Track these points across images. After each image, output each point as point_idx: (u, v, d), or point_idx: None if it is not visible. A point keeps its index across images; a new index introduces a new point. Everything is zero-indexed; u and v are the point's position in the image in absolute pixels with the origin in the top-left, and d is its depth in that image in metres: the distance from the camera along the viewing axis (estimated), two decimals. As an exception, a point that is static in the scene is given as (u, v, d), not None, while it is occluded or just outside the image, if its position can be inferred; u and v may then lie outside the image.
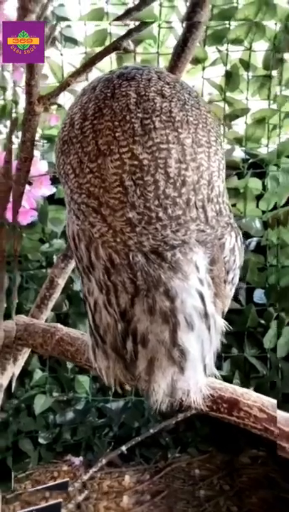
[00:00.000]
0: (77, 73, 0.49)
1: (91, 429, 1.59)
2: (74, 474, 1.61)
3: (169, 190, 0.45)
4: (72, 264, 0.81)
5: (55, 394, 1.52)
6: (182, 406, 0.56)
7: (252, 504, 1.48)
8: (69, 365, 1.45)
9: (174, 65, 0.69)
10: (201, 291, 0.49)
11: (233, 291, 0.58)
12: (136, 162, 0.44)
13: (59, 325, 0.70)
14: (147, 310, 0.49)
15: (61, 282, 0.80)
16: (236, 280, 0.56)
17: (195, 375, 0.53)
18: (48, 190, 0.73)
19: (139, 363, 0.52)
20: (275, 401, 0.55)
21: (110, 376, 0.56)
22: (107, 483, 1.60)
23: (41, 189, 0.71)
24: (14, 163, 0.63)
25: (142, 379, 0.53)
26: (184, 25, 0.66)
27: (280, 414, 0.54)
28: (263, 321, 1.45)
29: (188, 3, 0.87)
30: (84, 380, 1.48)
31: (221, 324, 0.54)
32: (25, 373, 1.46)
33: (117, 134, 0.45)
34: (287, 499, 1.42)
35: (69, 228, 0.51)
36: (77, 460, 1.61)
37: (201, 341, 0.52)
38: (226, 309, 0.57)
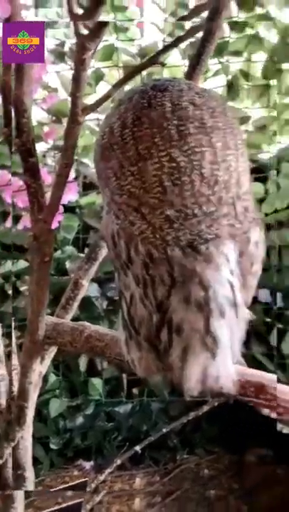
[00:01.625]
0: (117, 86, 0.53)
1: (101, 434, 1.61)
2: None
3: (203, 189, 0.49)
4: (95, 267, 0.85)
5: (64, 399, 1.54)
6: (212, 394, 0.59)
7: (261, 503, 1.49)
8: (82, 368, 1.48)
9: (190, 77, 0.74)
10: (232, 282, 0.53)
11: (256, 283, 0.62)
12: (174, 164, 0.49)
13: (86, 323, 0.72)
14: (183, 300, 0.52)
15: (85, 284, 0.84)
16: (259, 272, 0.60)
17: (225, 362, 0.56)
18: (74, 196, 0.77)
19: (173, 351, 0.55)
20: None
21: (142, 366, 0.60)
22: (119, 486, 1.62)
23: (69, 195, 0.75)
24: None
25: (175, 366, 0.56)
26: (200, 39, 0.71)
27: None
28: (268, 320, 1.50)
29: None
30: (97, 382, 1.51)
31: (246, 314, 0.59)
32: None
33: (156, 140, 0.49)
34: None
35: (108, 228, 0.55)
36: (88, 464, 1.61)
37: (230, 329, 0.55)
38: (250, 300, 0.61)
